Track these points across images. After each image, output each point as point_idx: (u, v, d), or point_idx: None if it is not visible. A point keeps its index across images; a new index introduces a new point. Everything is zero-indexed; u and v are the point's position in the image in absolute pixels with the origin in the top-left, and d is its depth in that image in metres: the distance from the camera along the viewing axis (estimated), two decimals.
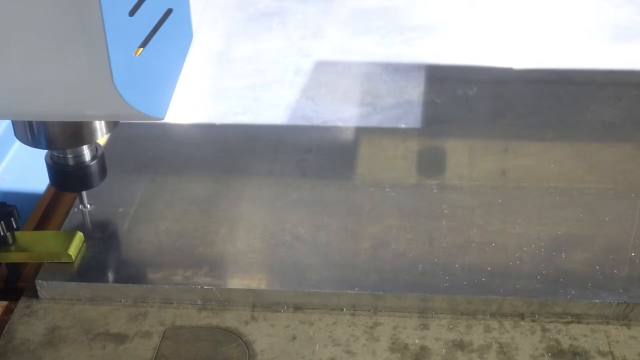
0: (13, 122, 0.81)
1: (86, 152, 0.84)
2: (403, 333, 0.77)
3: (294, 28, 1.30)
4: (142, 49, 0.68)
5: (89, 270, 0.83)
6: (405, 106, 1.09)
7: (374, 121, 1.06)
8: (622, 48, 1.21)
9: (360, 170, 0.96)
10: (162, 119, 0.71)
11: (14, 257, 0.83)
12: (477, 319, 0.78)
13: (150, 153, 0.99)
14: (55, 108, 0.68)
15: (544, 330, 0.77)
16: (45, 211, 0.97)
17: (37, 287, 0.81)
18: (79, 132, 0.80)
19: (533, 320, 0.78)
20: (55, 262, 0.83)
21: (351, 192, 0.92)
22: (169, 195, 0.93)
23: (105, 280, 0.81)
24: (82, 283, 0.81)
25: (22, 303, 0.81)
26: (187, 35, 0.80)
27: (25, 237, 0.85)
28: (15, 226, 0.82)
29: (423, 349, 0.75)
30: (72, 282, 0.81)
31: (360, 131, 1.04)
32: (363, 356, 0.75)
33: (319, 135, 1.03)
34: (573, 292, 0.78)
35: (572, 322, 0.78)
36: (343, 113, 1.09)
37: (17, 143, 1.09)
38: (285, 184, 0.94)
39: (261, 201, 0.92)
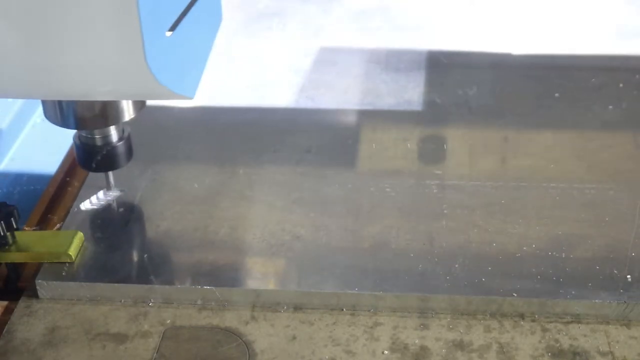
0: (43, 102, 0.82)
1: (113, 133, 0.86)
2: (403, 333, 0.77)
3: (294, 28, 1.30)
4: (171, 32, 0.68)
5: (89, 270, 0.83)
6: (405, 106, 1.09)
7: (373, 121, 1.06)
8: (622, 48, 1.21)
9: (360, 170, 0.96)
10: (192, 98, 0.72)
11: (14, 257, 0.83)
12: (477, 319, 0.78)
13: (150, 153, 0.99)
14: (87, 87, 0.69)
15: (544, 330, 0.77)
16: (45, 211, 0.97)
17: (37, 287, 0.81)
18: (106, 112, 0.81)
19: (533, 320, 0.78)
20: (55, 262, 0.83)
21: (351, 192, 0.92)
22: (169, 195, 0.93)
23: (105, 280, 0.81)
24: (82, 283, 0.81)
25: (22, 303, 0.81)
26: (217, 16, 0.81)
27: (25, 237, 0.85)
28: (15, 226, 0.82)
29: (423, 349, 0.75)
30: (72, 282, 0.81)
31: (360, 131, 1.04)
32: (363, 356, 0.75)
33: (319, 135, 1.03)
34: (573, 292, 0.78)
35: (572, 322, 0.78)
36: (343, 113, 1.09)
37: (18, 142, 1.09)
38: (285, 184, 0.94)
39: (261, 201, 0.92)
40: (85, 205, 0.91)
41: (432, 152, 0.99)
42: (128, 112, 0.82)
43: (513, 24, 1.28)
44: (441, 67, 1.17)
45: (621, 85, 1.11)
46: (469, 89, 1.11)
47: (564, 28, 1.27)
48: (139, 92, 0.71)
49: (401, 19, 1.31)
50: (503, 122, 1.04)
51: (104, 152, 0.86)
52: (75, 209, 0.91)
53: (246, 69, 1.19)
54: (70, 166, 1.05)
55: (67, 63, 0.65)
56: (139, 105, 0.83)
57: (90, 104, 0.81)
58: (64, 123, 0.82)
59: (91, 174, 0.96)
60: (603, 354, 0.74)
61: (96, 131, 0.85)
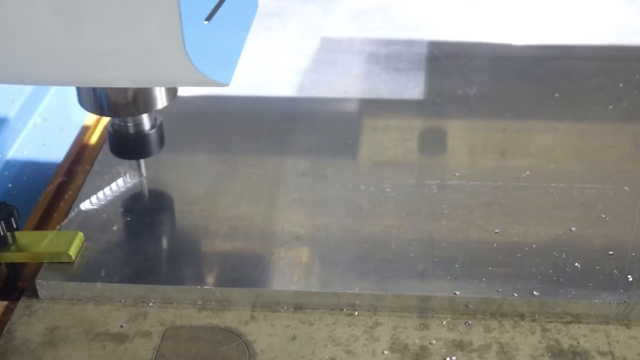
0: (77, 89, 0.82)
1: (146, 121, 0.87)
2: (403, 333, 0.77)
3: (294, 28, 1.30)
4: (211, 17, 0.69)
5: (89, 270, 0.83)
6: (405, 106, 1.09)
7: (373, 121, 1.06)
8: (622, 48, 1.21)
9: (360, 170, 0.96)
10: (228, 85, 0.72)
11: (14, 257, 0.83)
12: (477, 319, 0.78)
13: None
14: (126, 75, 0.69)
15: (544, 330, 0.77)
16: (45, 211, 0.97)
17: (37, 287, 0.81)
18: (140, 100, 0.82)
19: (533, 320, 0.78)
20: (55, 262, 0.83)
21: (351, 192, 0.92)
22: (170, 195, 0.93)
23: (105, 280, 0.81)
24: (82, 283, 0.81)
25: (22, 303, 0.81)
26: (252, 3, 0.81)
27: (25, 237, 0.85)
28: (15, 226, 0.82)
29: (423, 349, 0.75)
30: (72, 282, 0.81)
31: (360, 131, 1.04)
32: (363, 356, 0.75)
33: (319, 135, 1.03)
34: (573, 292, 0.78)
35: (572, 322, 0.78)
36: (343, 113, 1.09)
37: (19, 142, 1.09)
38: (285, 183, 0.94)
39: (261, 201, 0.92)
40: (85, 205, 0.91)
41: (432, 152, 0.99)
42: (161, 100, 0.83)
43: (513, 25, 1.28)
44: (441, 67, 1.17)
45: (621, 85, 1.11)
46: (469, 89, 1.11)
47: (563, 28, 1.27)
48: (177, 79, 0.72)
49: (401, 19, 1.31)
50: (503, 122, 1.04)
51: (136, 140, 0.87)
52: (75, 209, 0.91)
53: (246, 69, 1.19)
54: (71, 166, 1.05)
55: (107, 52, 0.66)
56: (172, 93, 0.84)
57: (124, 91, 0.81)
58: (98, 110, 0.83)
59: (91, 174, 0.96)
60: (603, 354, 0.74)
61: (129, 119, 0.86)
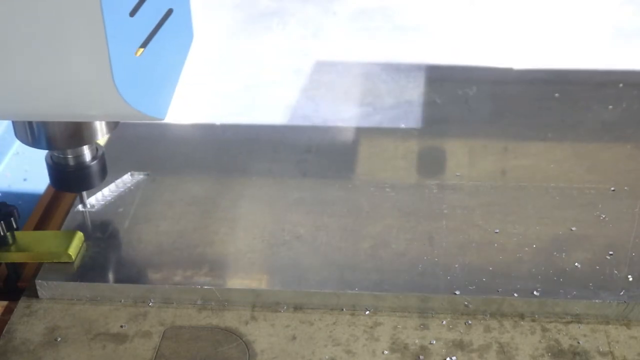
0: (13, 123, 0.80)
1: (86, 153, 0.84)
2: (403, 333, 0.77)
3: (294, 28, 1.30)
4: (142, 49, 0.68)
5: (89, 270, 0.83)
6: (405, 106, 1.09)
7: (374, 121, 1.06)
8: (622, 48, 1.21)
9: (360, 170, 0.96)
10: (163, 120, 0.71)
11: (14, 257, 0.83)
12: (477, 319, 0.78)
13: (150, 153, 0.99)
14: (56, 108, 0.68)
15: (544, 330, 0.77)
16: (45, 211, 0.97)
17: (37, 287, 0.81)
18: (79, 132, 0.79)
19: (533, 320, 0.78)
20: (55, 262, 0.83)
21: (351, 192, 0.92)
22: (169, 195, 0.93)
23: (105, 280, 0.81)
24: (82, 283, 0.81)
25: (22, 303, 0.81)
26: (187, 35, 0.80)
27: (25, 237, 0.85)
28: (15, 226, 0.82)
29: (423, 349, 0.75)
30: (72, 282, 0.81)
31: (360, 131, 1.04)
32: (363, 356, 0.75)
33: (319, 135, 1.03)
34: (573, 292, 0.78)
35: (572, 322, 0.78)
36: (343, 113, 1.09)
37: (19, 142, 1.09)
38: (285, 184, 0.94)
39: (261, 201, 0.92)
40: (85, 205, 0.91)
41: (432, 152, 0.99)
42: (101, 131, 0.80)
43: (512, 24, 1.29)
44: (441, 67, 1.17)
45: (621, 85, 1.11)
46: (469, 89, 1.11)
47: (563, 28, 1.27)
48: (107, 113, 0.70)
49: (401, 19, 1.31)
50: (503, 122, 1.05)
51: (77, 173, 0.84)
52: (75, 209, 0.91)
53: (246, 69, 1.19)
54: None
55: (35, 84, 0.65)
56: (112, 125, 0.81)
57: (62, 123, 0.79)
58: (35, 143, 0.80)
59: None
60: (603, 354, 0.74)
61: (68, 151, 0.83)
